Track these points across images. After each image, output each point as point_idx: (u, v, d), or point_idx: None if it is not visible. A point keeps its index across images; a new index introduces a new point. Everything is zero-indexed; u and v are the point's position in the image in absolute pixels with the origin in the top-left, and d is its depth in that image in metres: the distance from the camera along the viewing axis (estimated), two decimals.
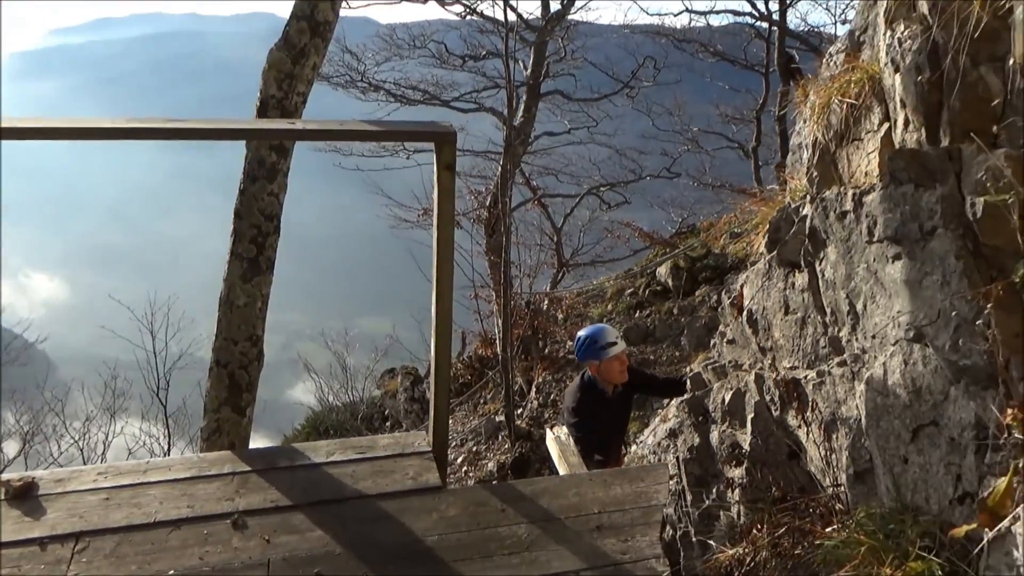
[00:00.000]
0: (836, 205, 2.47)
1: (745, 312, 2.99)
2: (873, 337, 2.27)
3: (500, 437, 11.27)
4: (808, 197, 2.86)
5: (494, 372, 10.32)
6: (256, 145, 3.89)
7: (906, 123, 2.46)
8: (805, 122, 3.42)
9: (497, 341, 10.03)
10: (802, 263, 2.71)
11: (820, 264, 2.59)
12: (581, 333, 5.23)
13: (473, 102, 14.97)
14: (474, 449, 12.06)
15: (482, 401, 13.16)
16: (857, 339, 2.37)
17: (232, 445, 3.84)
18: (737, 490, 2.62)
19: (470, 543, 3.18)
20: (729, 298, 3.30)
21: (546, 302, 12.08)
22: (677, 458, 2.91)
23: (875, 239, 2.27)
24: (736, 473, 2.65)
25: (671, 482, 3.10)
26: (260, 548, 3.09)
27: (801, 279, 2.71)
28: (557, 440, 4.10)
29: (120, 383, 17.00)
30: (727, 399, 2.79)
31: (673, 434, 3.04)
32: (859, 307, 2.36)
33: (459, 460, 12.04)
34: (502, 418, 10.55)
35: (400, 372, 15.45)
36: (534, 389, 11.37)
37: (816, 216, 2.58)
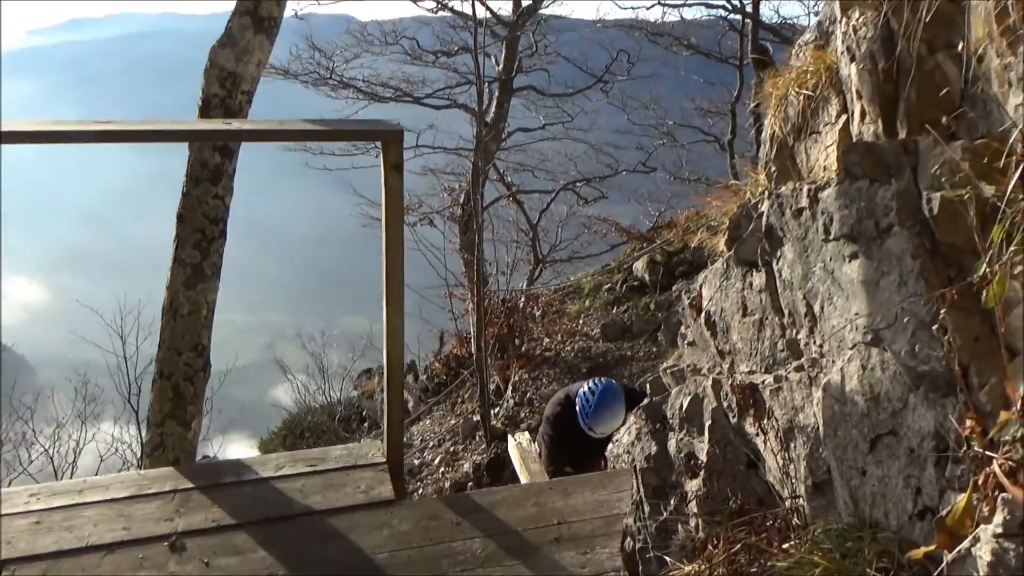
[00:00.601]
0: (792, 201, 2.34)
1: (703, 313, 2.86)
2: (831, 341, 2.15)
3: (477, 437, 11.13)
4: (766, 193, 2.73)
5: (469, 372, 10.16)
6: (199, 146, 3.72)
7: (863, 115, 2.34)
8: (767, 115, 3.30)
9: (472, 340, 9.88)
10: (759, 262, 2.59)
11: (777, 263, 2.47)
12: (593, 395, 4.63)
13: (445, 98, 14.79)
14: (451, 449, 11.92)
15: (459, 400, 13.01)
16: (815, 342, 2.25)
17: (177, 460, 3.67)
18: (694, 502, 2.49)
19: (421, 560, 3.03)
20: (688, 298, 3.17)
21: (522, 299, 11.95)
22: (634, 467, 2.77)
23: (831, 237, 2.15)
24: (693, 484, 2.53)
25: (630, 491, 2.99)
26: (198, 573, 2.93)
27: (759, 279, 2.59)
28: (519, 447, 3.96)
29: (92, 389, 16.69)
30: (685, 405, 2.66)
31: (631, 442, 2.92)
32: (816, 308, 2.24)
33: (436, 461, 11.90)
34: (479, 417, 10.41)
35: (377, 373, 15.27)
36: (510, 388, 11.24)
37: (772, 213, 2.45)
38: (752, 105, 11.07)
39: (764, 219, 2.51)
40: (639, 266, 12.74)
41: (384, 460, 3.65)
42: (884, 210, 1.94)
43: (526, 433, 4.18)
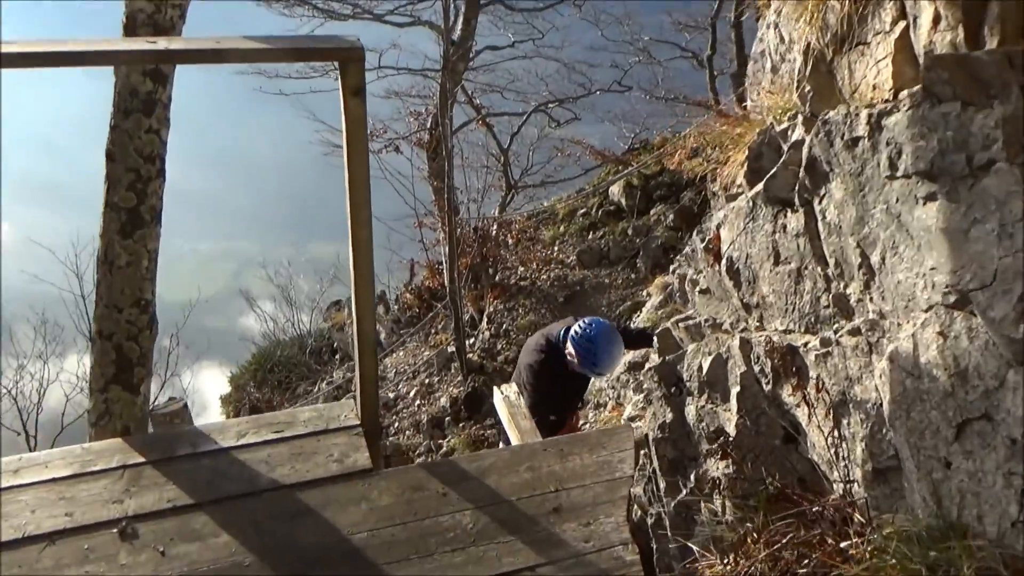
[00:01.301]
0: (844, 129, 1.94)
1: (724, 260, 2.48)
2: (895, 299, 1.78)
3: (453, 368, 10.87)
4: (800, 118, 2.32)
5: (443, 304, 9.80)
6: (126, 72, 3.16)
7: (935, 20, 1.91)
8: (771, 27, 2.84)
9: (444, 271, 9.47)
10: (796, 201, 2.20)
11: (820, 203, 2.08)
12: (591, 340, 4.02)
13: (408, 15, 13.86)
14: (426, 382, 11.66)
15: (433, 331, 12.70)
16: (872, 300, 1.89)
17: (126, 430, 3.27)
18: (722, 480, 2.16)
19: (406, 539, 2.71)
20: (703, 240, 2.79)
21: (495, 227, 11.50)
22: (646, 436, 2.43)
23: (899, 174, 1.76)
24: (719, 460, 2.20)
25: (640, 462, 2.68)
26: (153, 563, 2.58)
27: (795, 221, 2.21)
28: (506, 400, 3.61)
29: (51, 328, 16.11)
30: (705, 367, 2.31)
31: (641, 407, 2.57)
32: (875, 259, 1.87)
33: (411, 394, 11.65)
34: (454, 350, 10.11)
35: (347, 304, 14.85)
36: (485, 319, 10.93)
37: (817, 143, 2.05)
38: (735, 17, 10.46)
39: (805, 150, 2.10)
40: (615, 190, 12.31)
41: (358, 422, 3.28)
42: (982, 141, 1.54)
43: (512, 385, 3.82)
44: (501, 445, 4.81)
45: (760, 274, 2.34)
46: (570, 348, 4.14)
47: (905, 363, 1.71)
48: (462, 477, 3.02)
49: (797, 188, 2.17)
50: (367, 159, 2.86)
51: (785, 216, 2.26)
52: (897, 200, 1.78)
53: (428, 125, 11.08)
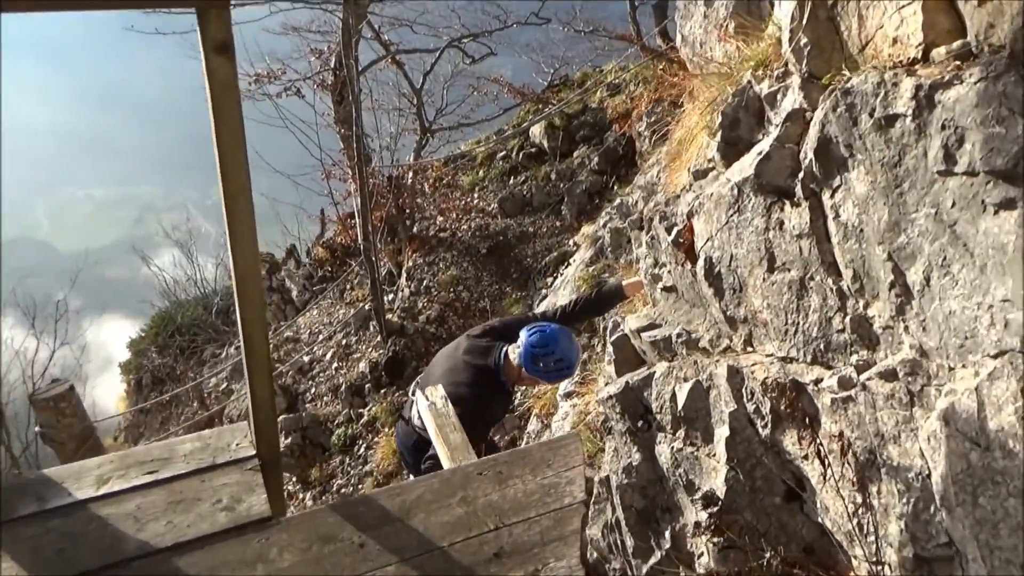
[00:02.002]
0: (875, 104, 1.45)
1: (701, 260, 1.99)
2: (945, 333, 1.32)
3: (371, 328, 10.25)
4: (794, 79, 1.81)
5: (358, 263, 9.11)
6: None
7: None
8: None
9: (357, 226, 8.76)
10: (799, 192, 1.71)
11: (833, 196, 1.61)
12: (563, 355, 3.44)
13: None
14: (344, 343, 11.03)
15: (348, 287, 12.00)
16: (909, 330, 1.43)
17: None
18: (705, 545, 1.71)
19: None
20: (668, 230, 2.29)
21: (410, 174, 10.77)
22: (607, 481, 1.97)
23: (959, 169, 1.28)
24: (702, 515, 1.74)
25: (594, 508, 2.22)
26: None
27: (797, 218, 1.73)
28: (432, 408, 3.10)
29: None
30: (680, 397, 1.84)
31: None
32: (914, 278, 1.40)
33: (328, 356, 11.02)
34: (373, 312, 9.49)
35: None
36: (404, 275, 10.31)
37: (835, 119, 1.55)
38: None
39: (815, 126, 1.60)
40: (536, 131, 11.71)
41: (253, 452, 2.71)
42: None
43: (439, 388, 3.29)
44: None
45: (750, 282, 1.87)
46: (529, 368, 3.61)
47: (967, 427, 1.26)
48: (383, 519, 2.50)
49: (802, 176, 1.69)
50: (242, 136, 2.21)
51: (782, 210, 1.79)
52: (953, 204, 1.31)
53: (332, 65, 10.13)
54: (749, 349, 1.85)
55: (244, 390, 2.93)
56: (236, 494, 2.56)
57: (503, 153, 12.20)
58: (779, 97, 2.06)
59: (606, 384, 2.43)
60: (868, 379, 1.48)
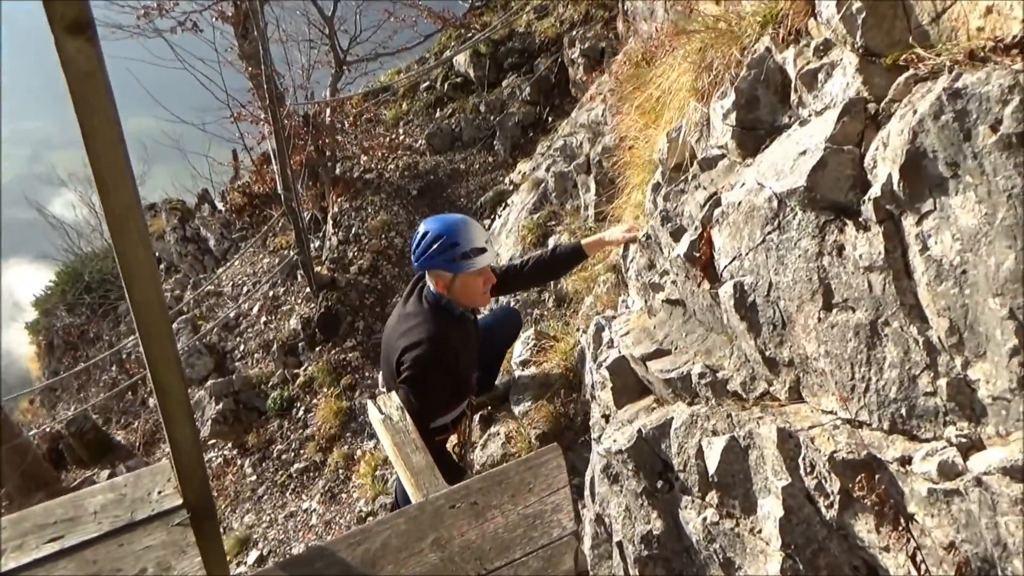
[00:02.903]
0: (1005, 112, 1.07)
1: (729, 284, 1.62)
2: None
3: (299, 276, 9.66)
4: (845, 52, 1.43)
5: (280, 214, 8.45)
6: None
7: None
8: None
9: (276, 174, 8.06)
10: (869, 213, 1.34)
11: (920, 224, 1.24)
12: (426, 227, 3.46)
13: None
14: (271, 294, 10.40)
15: (271, 234, 11.28)
16: None
17: None
18: None
19: None
20: (675, 235, 1.90)
21: (328, 112, 10.00)
22: (619, 548, 1.64)
23: None
24: None
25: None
26: None
27: (866, 245, 1.37)
28: (387, 423, 2.70)
29: None
30: (710, 456, 1.50)
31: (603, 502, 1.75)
32: None
33: (256, 310, 10.39)
34: (301, 265, 8.89)
35: (163, 208, 12.93)
36: (330, 221, 9.67)
37: (935, 128, 1.18)
38: None
39: (901, 132, 1.23)
40: (461, 60, 11.00)
41: (180, 501, 2.29)
42: None
43: (393, 395, 2.88)
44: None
45: (798, 319, 1.52)
46: (441, 264, 3.38)
47: None
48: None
49: (876, 194, 1.32)
50: (118, 137, 1.69)
51: (842, 231, 1.43)
52: None
53: None
54: (796, 399, 1.53)
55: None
56: (164, 559, 2.15)
57: (427, 84, 11.47)
58: (821, 78, 1.68)
59: (612, 429, 2.07)
60: (986, 473, 1.17)
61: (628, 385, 2.27)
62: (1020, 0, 1.24)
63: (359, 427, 7.41)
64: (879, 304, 1.38)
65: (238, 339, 10.16)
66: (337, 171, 9.96)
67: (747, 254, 1.66)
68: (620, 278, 3.87)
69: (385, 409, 2.81)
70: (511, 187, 8.77)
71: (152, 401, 10.59)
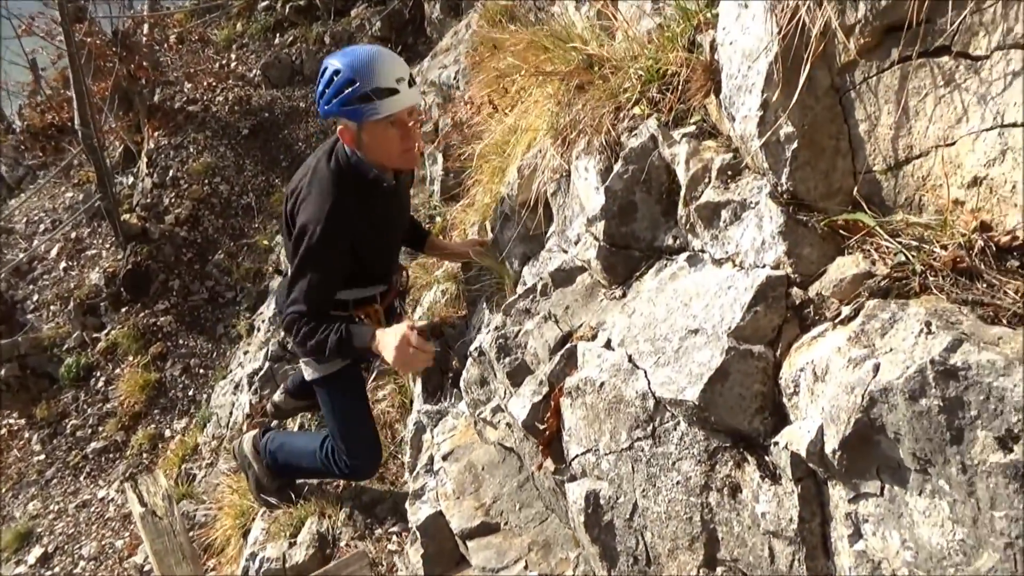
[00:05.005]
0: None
1: (578, 488, 1.17)
2: None
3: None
4: (762, 199, 1.01)
5: (78, 151, 7.23)
6: None
7: None
8: None
9: (73, 105, 6.81)
10: (782, 460, 0.93)
11: (859, 504, 0.86)
12: (327, 62, 2.75)
13: None
14: (73, 235, 9.08)
15: (76, 164, 9.81)
16: None
17: None
18: None
19: None
20: (512, 377, 1.42)
21: (144, 29, 8.65)
22: None
23: None
24: None
25: None
26: None
27: (773, 503, 0.96)
28: (147, 519, 2.06)
29: None
30: None
31: None
32: None
33: (54, 253, 9.05)
34: (105, 211, 7.72)
35: None
36: (144, 160, 8.45)
37: (905, 401, 0.76)
38: None
39: (854, 403, 0.86)
40: None
41: None
42: None
43: (160, 476, 2.20)
44: None
45: (668, 567, 1.08)
46: (339, 119, 2.69)
47: None
48: None
49: (803, 448, 0.89)
50: None
51: (740, 468, 0.96)
52: None
53: None
54: None
55: None
56: None
57: (265, 3, 10.22)
58: (726, 217, 1.23)
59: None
60: None
61: (444, 552, 1.82)
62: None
63: (169, 403, 6.59)
64: None
65: (31, 286, 8.82)
66: (155, 99, 8.69)
67: (607, 454, 1.22)
68: (460, 291, 3.38)
69: (148, 497, 2.19)
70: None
71: None
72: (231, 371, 6.14)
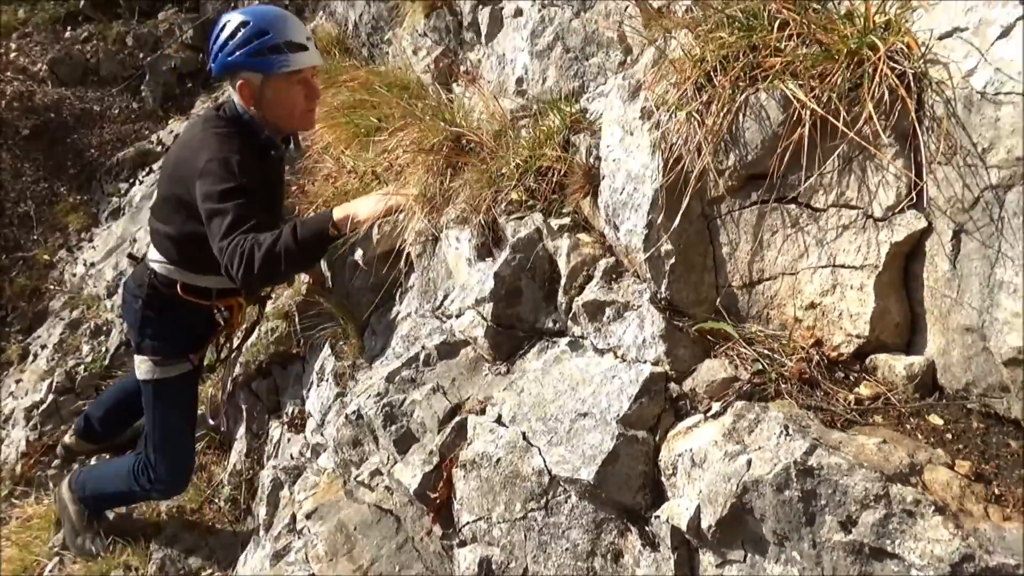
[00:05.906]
0: (865, 504, 0.88)
1: (469, 554, 1.29)
2: None
3: None
4: (644, 304, 1.21)
5: None
6: None
7: None
8: None
9: None
10: (662, 531, 1.11)
11: (726, 570, 1.03)
12: (227, 17, 2.72)
13: None
14: None
15: None
16: None
17: None
18: None
19: None
20: (400, 445, 1.50)
21: None
22: None
23: None
24: None
25: None
26: None
27: (652, 568, 1.15)
28: None
29: None
30: None
31: None
32: None
33: None
34: None
35: None
36: None
37: (772, 492, 0.98)
38: None
39: (731, 486, 1.09)
40: None
41: None
42: None
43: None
44: None
45: None
46: (241, 72, 2.63)
47: None
48: None
49: (681, 521, 1.06)
50: None
51: (623, 536, 1.14)
52: None
53: None
54: None
55: None
56: None
57: None
58: (610, 315, 1.41)
59: None
60: None
61: None
62: (858, 318, 1.09)
63: None
64: None
65: None
66: None
67: (499, 523, 1.35)
68: (292, 330, 3.32)
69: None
70: (159, 147, 7.50)
71: None
72: None
